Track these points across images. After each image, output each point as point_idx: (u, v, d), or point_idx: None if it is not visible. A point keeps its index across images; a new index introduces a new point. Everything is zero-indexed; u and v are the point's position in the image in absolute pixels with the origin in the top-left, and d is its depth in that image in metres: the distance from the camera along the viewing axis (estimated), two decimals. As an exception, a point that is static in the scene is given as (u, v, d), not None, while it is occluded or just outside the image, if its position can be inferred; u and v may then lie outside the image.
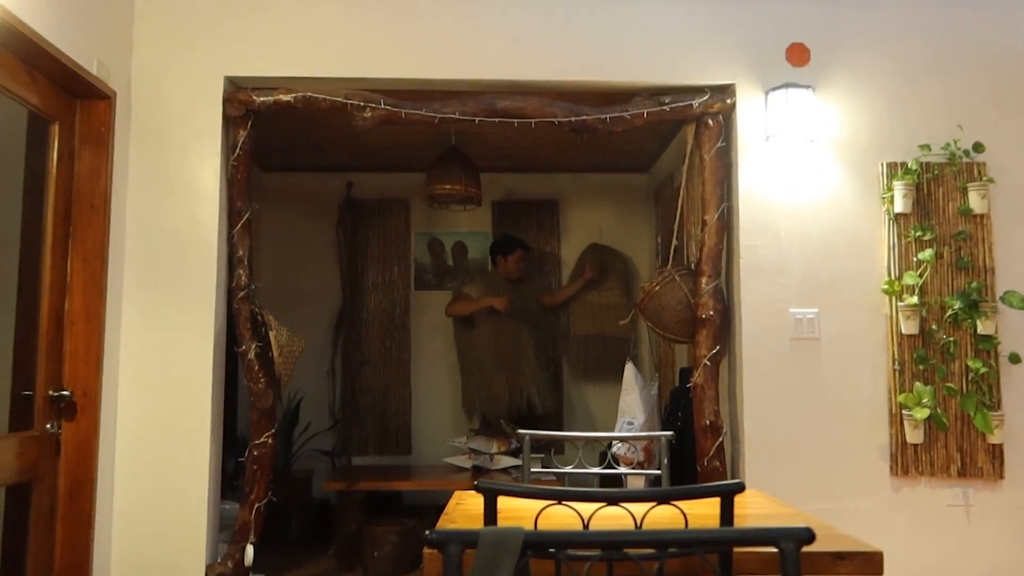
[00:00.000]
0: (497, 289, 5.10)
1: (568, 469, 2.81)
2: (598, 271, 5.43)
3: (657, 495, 1.50)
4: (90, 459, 3.06)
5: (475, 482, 1.53)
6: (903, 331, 3.35)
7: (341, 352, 5.74)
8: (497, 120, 3.45)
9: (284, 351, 3.45)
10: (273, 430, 3.49)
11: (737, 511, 1.56)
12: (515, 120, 3.44)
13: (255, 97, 3.41)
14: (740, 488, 1.53)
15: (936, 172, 3.40)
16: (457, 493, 2.38)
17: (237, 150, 3.43)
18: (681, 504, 1.50)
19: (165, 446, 3.30)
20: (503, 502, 1.57)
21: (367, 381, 5.74)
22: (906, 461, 3.33)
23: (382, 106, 3.41)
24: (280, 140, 4.91)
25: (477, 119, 3.44)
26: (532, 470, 2.92)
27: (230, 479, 4.64)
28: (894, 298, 3.37)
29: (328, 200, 5.78)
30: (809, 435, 3.35)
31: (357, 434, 5.68)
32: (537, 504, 1.52)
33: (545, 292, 5.45)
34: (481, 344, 5.11)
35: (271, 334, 3.41)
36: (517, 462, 4.48)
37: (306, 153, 5.34)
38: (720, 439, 3.35)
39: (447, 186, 4.68)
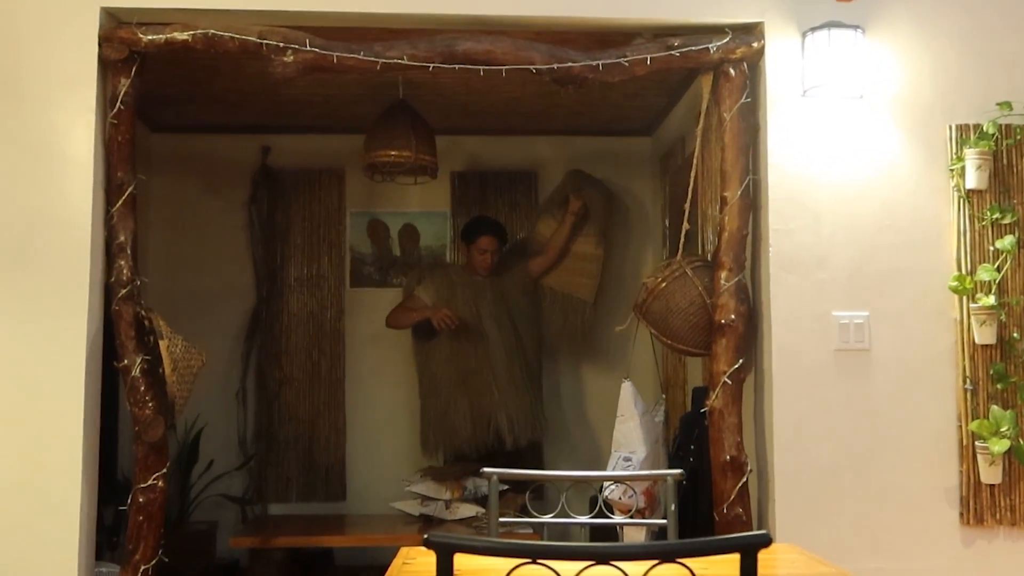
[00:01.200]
0: (456, 289, 5.06)
1: (547, 519, 2.81)
2: (584, 205, 5.24)
3: (660, 551, 1.50)
4: (-78, 508, 3.02)
5: (425, 536, 1.53)
6: (976, 340, 3.39)
7: (255, 368, 5.71)
8: (457, 67, 3.44)
9: (179, 367, 3.43)
10: (164, 470, 3.47)
11: (764, 571, 1.57)
12: (481, 67, 3.43)
13: (141, 35, 3.37)
14: (766, 541, 1.54)
15: (1019, 137, 3.45)
16: (403, 550, 2.37)
17: (118, 104, 3.40)
18: (691, 562, 1.51)
19: (22, 493, 3.26)
20: (462, 561, 1.57)
21: (289, 406, 5.72)
22: (980, 507, 3.38)
23: (308, 48, 3.39)
24: (175, 92, 4.87)
25: (431, 66, 3.43)
26: (502, 519, 2.91)
27: (108, 534, 4.60)
28: (965, 298, 3.41)
29: (238, 170, 5.74)
30: (857, 474, 3.38)
31: (275, 475, 5.65)
32: (506, 564, 1.53)
33: (529, 259, 5.30)
34: (438, 358, 5.10)
35: (162, 344, 3.38)
36: (482, 510, 4.49)
37: (209, 109, 5.30)
38: (744, 479, 3.37)
39: (392, 152, 4.66)
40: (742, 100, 3.46)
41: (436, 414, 5.08)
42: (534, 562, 1.50)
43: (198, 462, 5.42)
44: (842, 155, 3.46)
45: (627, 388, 4.14)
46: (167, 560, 3.54)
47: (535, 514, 2.92)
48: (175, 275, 5.63)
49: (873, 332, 3.42)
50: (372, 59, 3.41)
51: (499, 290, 5.12)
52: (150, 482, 3.43)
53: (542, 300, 5.38)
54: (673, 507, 2.74)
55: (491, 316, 5.05)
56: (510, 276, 5.20)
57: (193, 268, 5.71)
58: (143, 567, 3.41)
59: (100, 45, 3.36)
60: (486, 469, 2.79)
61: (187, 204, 5.71)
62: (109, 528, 4.59)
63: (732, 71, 3.47)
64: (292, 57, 3.40)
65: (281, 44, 3.39)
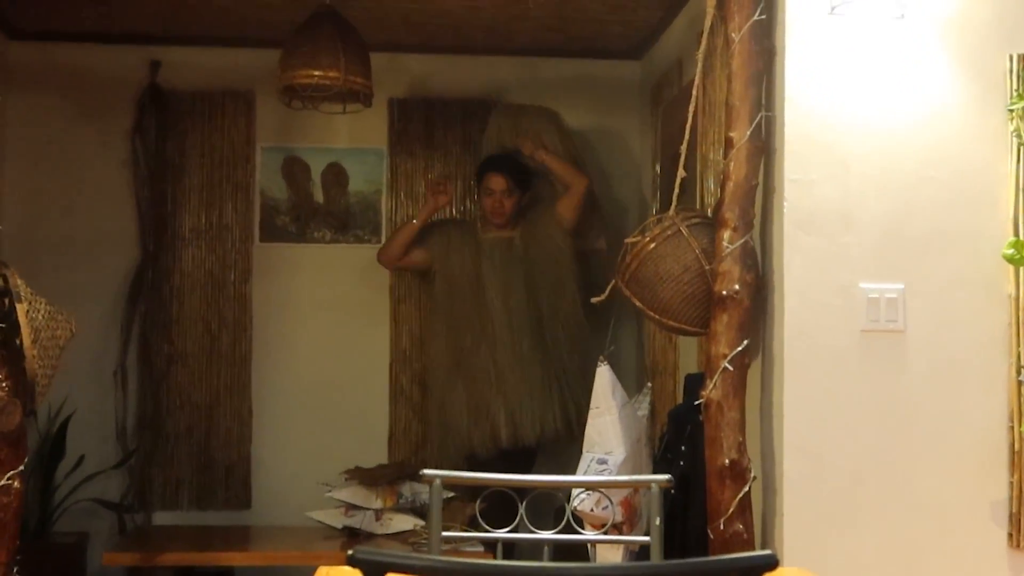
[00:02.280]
0: (451, 246, 5.29)
1: (501, 533, 2.83)
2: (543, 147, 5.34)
3: (641, 574, 1.52)
4: None
5: (349, 552, 1.53)
6: (1034, 321, 3.43)
7: (138, 341, 5.68)
8: (399, -34, 3.41)
9: (41, 337, 3.41)
10: (21, 467, 3.44)
11: (766, 601, 1.59)
12: (429, -33, 3.41)
13: (-4, -85, 3.32)
14: (771, 564, 1.56)
15: (1094, 72, 3.47)
16: (322, 570, 2.38)
17: (-35, 3, 3.35)
18: (677, 589, 1.53)
19: None
20: (395, 584, 1.58)
21: (181, 390, 5.70)
22: (1033, 525, 3.42)
23: (209, -63, 3.35)
24: (38, -12, 4.82)
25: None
26: (445, 534, 2.92)
27: (-51, 546, 4.57)
28: (1022, 270, 3.45)
29: (119, 90, 5.68)
30: (884, 484, 3.42)
31: (162, 476, 5.64)
32: (449, 588, 1.55)
33: (557, 202, 5.26)
34: (434, 330, 5.40)
35: (19, 309, 3.36)
36: (421, 522, 4.50)
37: (83, 11, 5.23)
38: (746, 488, 3.40)
39: (315, 72, 4.64)
40: (755, 17, 3.45)
41: (434, 403, 5.39)
42: (484, 586, 1.52)
43: (65, 458, 5.39)
44: (876, 89, 3.46)
45: (603, 374, 4.15)
46: (24, 578, 3.54)
47: (486, 528, 2.93)
48: (37, 222, 5.58)
49: (908, 309, 3.44)
50: (291, -47, 3.38)
51: (516, 249, 5.23)
52: (3, 482, 3.40)
53: (591, 261, 5.38)
54: (658, 521, 2.76)
55: (496, 281, 5.16)
56: (539, 229, 5.27)
57: (61, 213, 5.65)
58: (-7, 587, 3.40)
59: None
60: (426, 472, 2.79)
61: (54, 132, 5.65)
62: (-50, 539, 4.56)
63: (743, -21, 3.47)
64: (190, -52, 3.36)
65: (176, -69, 3.35)
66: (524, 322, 5.11)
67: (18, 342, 3.38)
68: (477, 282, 5.16)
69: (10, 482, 3.43)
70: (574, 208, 5.21)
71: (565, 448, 5.10)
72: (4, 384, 3.39)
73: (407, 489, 4.63)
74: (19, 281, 3.43)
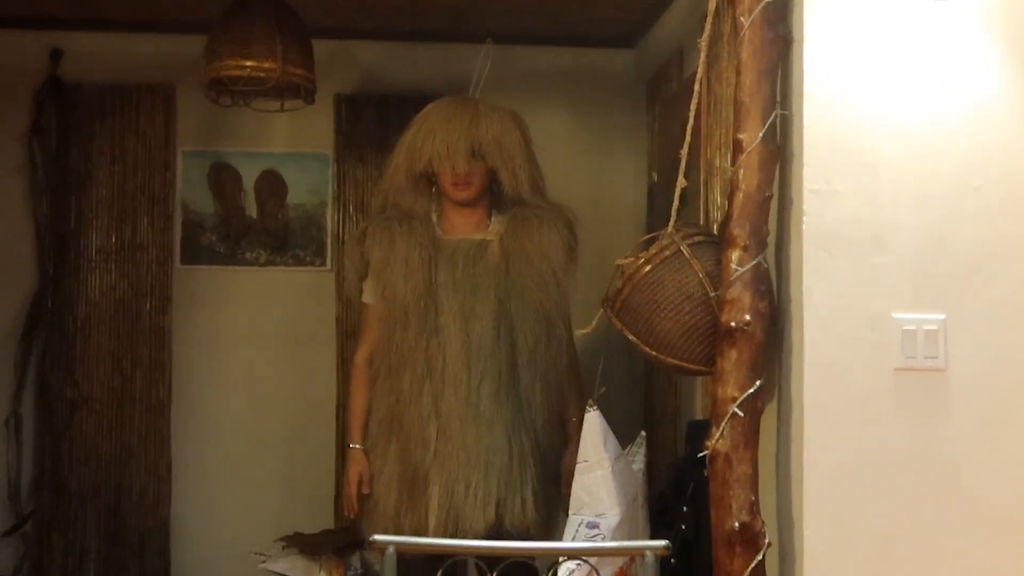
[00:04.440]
0: (396, 254, 4.46)
1: (469, 613, 2.82)
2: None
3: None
4: None
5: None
6: (1101, 358, 3.43)
7: (35, 383, 5.66)
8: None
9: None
10: None
11: None
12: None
13: None
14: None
15: None
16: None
17: None
18: None
19: None
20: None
21: (86, 441, 5.70)
22: (1100, 601, 3.43)
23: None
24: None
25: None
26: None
27: None
28: (1085, 296, 3.45)
29: (12, 84, 5.71)
30: (923, 549, 3.41)
31: (64, 544, 5.63)
32: None
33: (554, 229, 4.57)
34: (376, 363, 4.60)
35: None
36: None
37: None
38: (759, 556, 3.39)
39: (248, 63, 4.65)
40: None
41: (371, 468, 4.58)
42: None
43: (-55, 521, 5.37)
44: (911, 84, 3.48)
45: (593, 421, 4.15)
46: None
47: (450, 606, 2.92)
48: (-86, 241, 5.57)
49: (950, 343, 3.44)
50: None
51: (490, 257, 4.50)
52: None
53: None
54: (654, 597, 2.75)
55: (455, 299, 4.42)
56: (529, 231, 4.54)
57: (-58, 229, 5.64)
58: None
59: None
60: (378, 537, 2.79)
61: (-66, 134, 5.65)
62: None
63: (754, -45, 3.48)
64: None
65: None
66: (488, 359, 4.38)
67: None
68: (427, 299, 4.40)
69: None
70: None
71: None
72: None
73: (355, 559, 4.63)
74: None
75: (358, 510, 4.57)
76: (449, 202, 4.57)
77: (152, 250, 5.77)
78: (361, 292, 4.67)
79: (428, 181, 4.59)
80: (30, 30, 5.64)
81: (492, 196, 4.63)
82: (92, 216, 5.76)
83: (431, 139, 4.44)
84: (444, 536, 4.19)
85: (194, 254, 5.80)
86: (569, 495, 4.26)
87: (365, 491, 4.50)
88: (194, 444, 5.72)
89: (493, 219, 4.62)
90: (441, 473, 4.34)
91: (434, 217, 4.61)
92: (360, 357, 4.65)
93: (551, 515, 4.50)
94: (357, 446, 4.57)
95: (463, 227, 4.59)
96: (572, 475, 4.25)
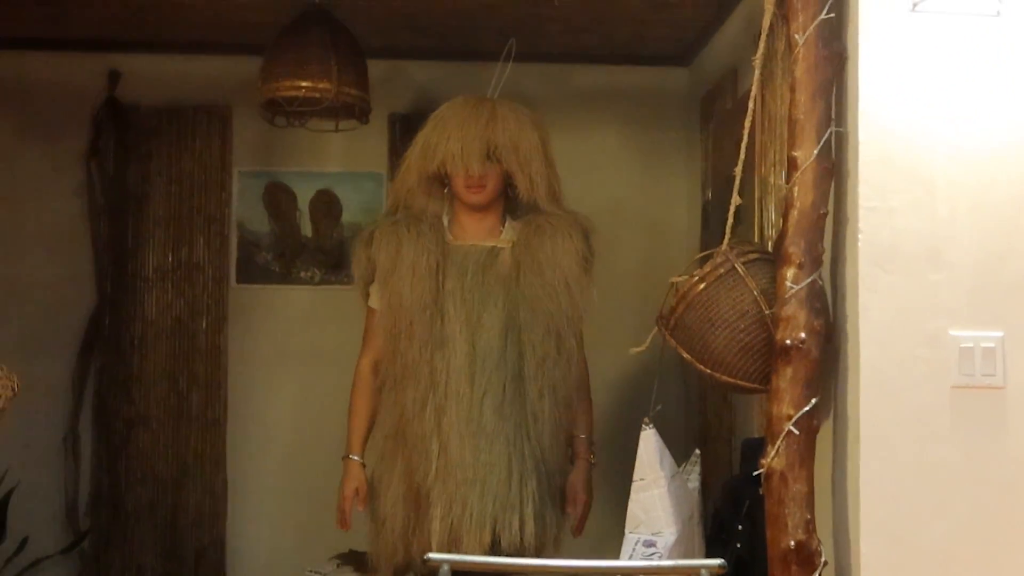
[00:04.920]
0: (403, 261, 4.23)
1: (524, 630, 2.82)
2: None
3: None
4: None
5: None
6: None
7: (92, 402, 5.69)
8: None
9: (-24, 397, 3.42)
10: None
11: None
12: (435, -41, 3.44)
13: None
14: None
15: None
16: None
17: None
18: None
19: None
20: None
21: (143, 459, 5.72)
22: None
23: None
24: (-23, -14, 4.87)
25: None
26: (457, 631, 2.93)
27: None
28: None
29: (71, 106, 5.74)
30: (981, 569, 3.39)
31: (121, 561, 5.64)
32: None
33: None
34: (383, 376, 4.38)
35: (-49, 364, 3.38)
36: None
37: (27, 12, 5.28)
38: (817, 575, 3.38)
39: (303, 83, 4.67)
40: (822, 16, 3.45)
41: (371, 492, 4.41)
42: None
43: (5, 541, 5.40)
44: (968, 100, 3.45)
45: (649, 439, 4.12)
46: None
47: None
48: (-26, 261, 5.62)
49: (1009, 361, 3.41)
50: (274, -57, 3.42)
51: (502, 265, 4.29)
52: (-68, 569, 3.41)
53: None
54: (709, 615, 2.75)
55: (462, 308, 4.22)
56: (543, 240, 4.29)
57: (2, 251, 5.68)
58: None
59: None
60: (433, 556, 2.80)
61: (-6, 156, 5.70)
62: None
63: (808, -28, 3.48)
64: (154, -62, 3.40)
65: (138, -82, 3.40)
66: (493, 371, 4.16)
67: (-51, 403, 3.40)
68: (433, 308, 4.19)
69: (-61, 569, 3.44)
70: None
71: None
72: (-67, 452, 3.41)
73: (409, 577, 4.63)
74: (-48, 330, 3.45)
75: (351, 525, 4.46)
76: (462, 206, 4.34)
77: (208, 269, 5.80)
78: (368, 296, 4.44)
79: (441, 183, 4.36)
80: (89, 52, 5.69)
81: (507, 201, 4.41)
82: (149, 236, 5.80)
83: (445, 139, 4.23)
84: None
85: (249, 273, 5.83)
86: (576, 514, 4.34)
87: (360, 507, 4.34)
88: (249, 462, 5.74)
89: (507, 225, 4.39)
90: (443, 493, 4.11)
91: (445, 221, 4.37)
92: (364, 364, 4.43)
93: (554, 534, 4.25)
94: (355, 458, 4.38)
95: (475, 233, 4.35)
96: (578, 494, 4.31)
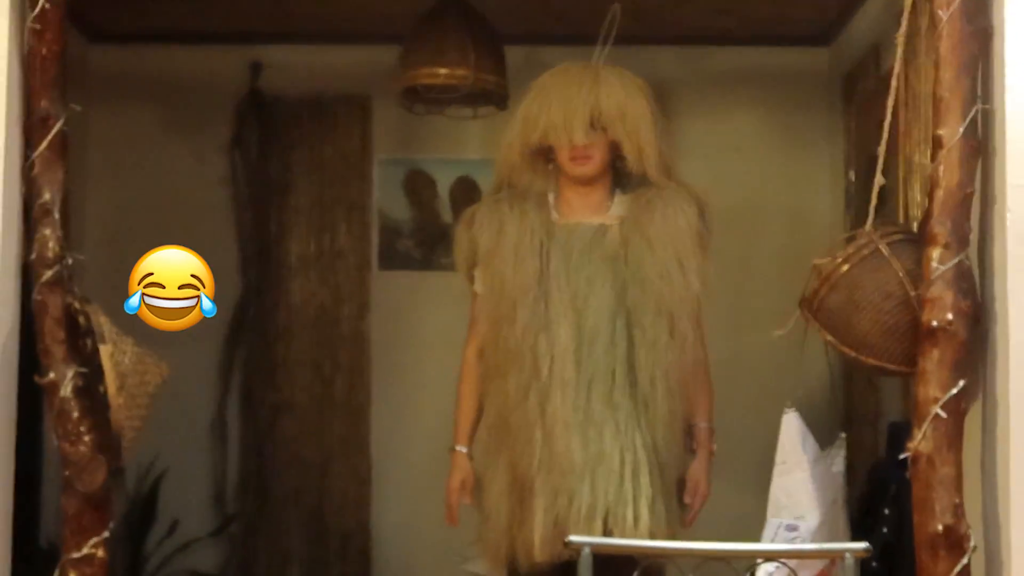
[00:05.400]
0: (505, 241, 4.01)
1: (667, 613, 2.82)
2: None
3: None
4: None
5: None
6: None
7: (239, 388, 5.78)
8: (536, -58, 3.45)
9: (128, 384, 3.49)
10: (106, 533, 3.52)
11: None
12: (571, -58, 3.44)
13: (74, -101, 3.43)
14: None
15: None
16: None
17: (41, 2, 3.46)
18: None
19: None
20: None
21: (288, 445, 5.78)
22: None
23: (316, -84, 3.43)
24: (123, -17, 4.98)
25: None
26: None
27: (27, 627, 4.71)
28: None
29: (215, 97, 5.83)
30: None
31: (268, 545, 5.72)
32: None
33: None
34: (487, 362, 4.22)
35: (103, 351, 3.44)
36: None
37: (173, 7, 5.37)
38: (964, 560, 3.33)
39: (441, 70, 4.70)
40: (966, -9, 3.43)
41: (477, 483, 4.21)
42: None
43: (156, 524, 5.51)
44: (1119, 70, 3.41)
45: (791, 422, 4.12)
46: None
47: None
48: (123, 250, 5.69)
49: None
50: (410, -69, 3.44)
51: (610, 244, 3.98)
52: (85, 551, 3.48)
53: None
54: (854, 600, 2.72)
55: (567, 289, 3.93)
56: (654, 218, 3.97)
57: (149, 240, 5.77)
58: (76, 675, 3.48)
59: (14, -84, 3.43)
60: (573, 538, 2.80)
61: (141, 147, 5.82)
62: (28, 619, 4.69)
63: (951, -53, 3.44)
64: (293, -71, 3.44)
65: (277, -90, 3.44)
66: (601, 356, 3.87)
67: (102, 389, 3.47)
68: (537, 290, 3.91)
69: (93, 551, 3.51)
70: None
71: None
72: (86, 438, 3.48)
73: (554, 561, 4.64)
74: (103, 319, 3.52)
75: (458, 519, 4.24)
76: (567, 180, 4.04)
77: (350, 257, 5.86)
78: (472, 281, 4.21)
79: (546, 158, 4.07)
80: (230, 45, 5.78)
81: (616, 175, 4.09)
82: (292, 225, 5.87)
83: (547, 109, 3.94)
84: (549, 552, 3.72)
85: (391, 260, 5.88)
86: (694, 506, 4.09)
87: (466, 501, 4.11)
88: (393, 447, 5.79)
89: (616, 200, 4.06)
90: (546, 484, 3.81)
91: (551, 198, 4.08)
92: (470, 352, 4.20)
93: (670, 529, 3.89)
94: (462, 449, 4.17)
95: (582, 209, 4.03)
96: (699, 485, 4.06)
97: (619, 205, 4.04)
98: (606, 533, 3.65)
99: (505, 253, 3.93)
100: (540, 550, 3.74)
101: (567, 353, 3.85)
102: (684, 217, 3.94)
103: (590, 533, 3.58)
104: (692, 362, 4.00)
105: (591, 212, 4.00)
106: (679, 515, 4.05)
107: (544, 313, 3.87)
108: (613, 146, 3.97)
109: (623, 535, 3.64)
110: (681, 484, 4.08)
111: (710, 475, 4.13)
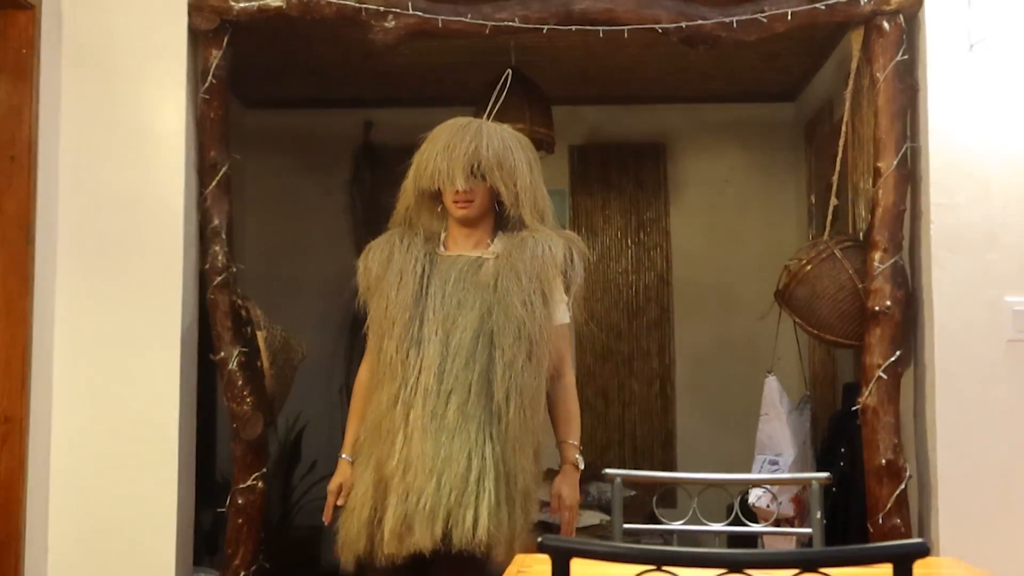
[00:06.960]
0: (391, 267, 3.46)
1: (677, 525, 2.82)
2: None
3: (800, 558, 1.50)
4: (15, 508, 3.18)
5: (539, 539, 1.55)
6: None
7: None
8: (574, 29, 3.45)
9: (278, 359, 3.53)
10: (264, 470, 3.57)
11: (921, 586, 1.54)
12: (600, 28, 3.45)
13: (232, 2, 3.48)
14: (923, 551, 1.52)
15: None
16: (518, 557, 2.41)
17: (209, 78, 3.51)
18: (836, 572, 1.50)
19: (116, 491, 3.40)
20: (581, 569, 1.59)
21: (395, 403, 5.80)
22: None
23: (410, 12, 3.46)
24: (269, 64, 4.98)
25: (545, 28, 3.46)
26: (626, 526, 2.93)
27: (206, 538, 4.75)
28: None
29: (338, 147, 5.85)
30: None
31: (381, 478, 5.75)
32: (629, 571, 1.54)
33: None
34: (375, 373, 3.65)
35: (260, 336, 3.49)
36: (607, 517, 4.50)
37: (306, 81, 5.42)
38: (902, 485, 3.33)
39: (505, 125, 4.70)
40: (898, 57, 3.41)
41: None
42: (659, 569, 1.51)
43: (300, 463, 5.56)
44: (1016, 118, 3.38)
45: (771, 383, 4.14)
46: (268, 566, 3.65)
47: (664, 521, 2.93)
48: (273, 261, 5.78)
49: (1053, 320, 3.33)
50: (480, 22, 3.46)
51: (484, 275, 3.35)
52: (249, 482, 3.54)
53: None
54: (819, 515, 2.72)
55: (439, 310, 3.34)
56: (526, 256, 3.35)
57: (291, 254, 5.84)
58: (243, 573, 3.52)
59: (189, 14, 3.46)
60: (608, 471, 2.80)
61: (284, 185, 5.85)
62: (207, 532, 4.73)
63: (886, 24, 3.41)
64: (393, 22, 3.48)
65: (381, 8, 3.47)
66: (461, 370, 3.27)
67: (259, 364, 3.52)
68: (413, 310, 3.37)
69: (255, 482, 3.56)
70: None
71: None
72: (248, 400, 3.53)
73: (593, 488, 4.64)
74: (259, 312, 3.56)
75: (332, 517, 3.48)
76: (453, 221, 3.43)
77: (439, 265, 5.87)
78: (368, 307, 3.55)
79: (437, 200, 3.48)
80: (349, 108, 5.80)
81: (499, 219, 3.45)
82: (395, 241, 5.89)
83: (434, 157, 3.45)
84: (396, 545, 3.14)
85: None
86: (563, 519, 3.37)
87: (340, 503, 3.41)
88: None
89: (496, 239, 3.41)
90: (401, 483, 3.19)
91: (442, 236, 3.48)
92: (362, 369, 3.59)
93: (514, 534, 3.16)
94: (344, 456, 3.50)
95: (465, 245, 3.42)
96: (561, 497, 3.33)
97: (498, 243, 3.40)
98: (447, 533, 3.09)
99: (391, 278, 3.40)
100: (388, 542, 3.16)
101: (432, 366, 3.27)
102: (551, 253, 3.37)
103: (432, 532, 3.08)
104: (560, 387, 3.42)
105: (472, 247, 3.40)
106: (527, 523, 3.30)
107: (418, 331, 3.32)
108: (493, 192, 3.37)
109: (462, 536, 3.08)
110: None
111: (575, 487, 3.39)
